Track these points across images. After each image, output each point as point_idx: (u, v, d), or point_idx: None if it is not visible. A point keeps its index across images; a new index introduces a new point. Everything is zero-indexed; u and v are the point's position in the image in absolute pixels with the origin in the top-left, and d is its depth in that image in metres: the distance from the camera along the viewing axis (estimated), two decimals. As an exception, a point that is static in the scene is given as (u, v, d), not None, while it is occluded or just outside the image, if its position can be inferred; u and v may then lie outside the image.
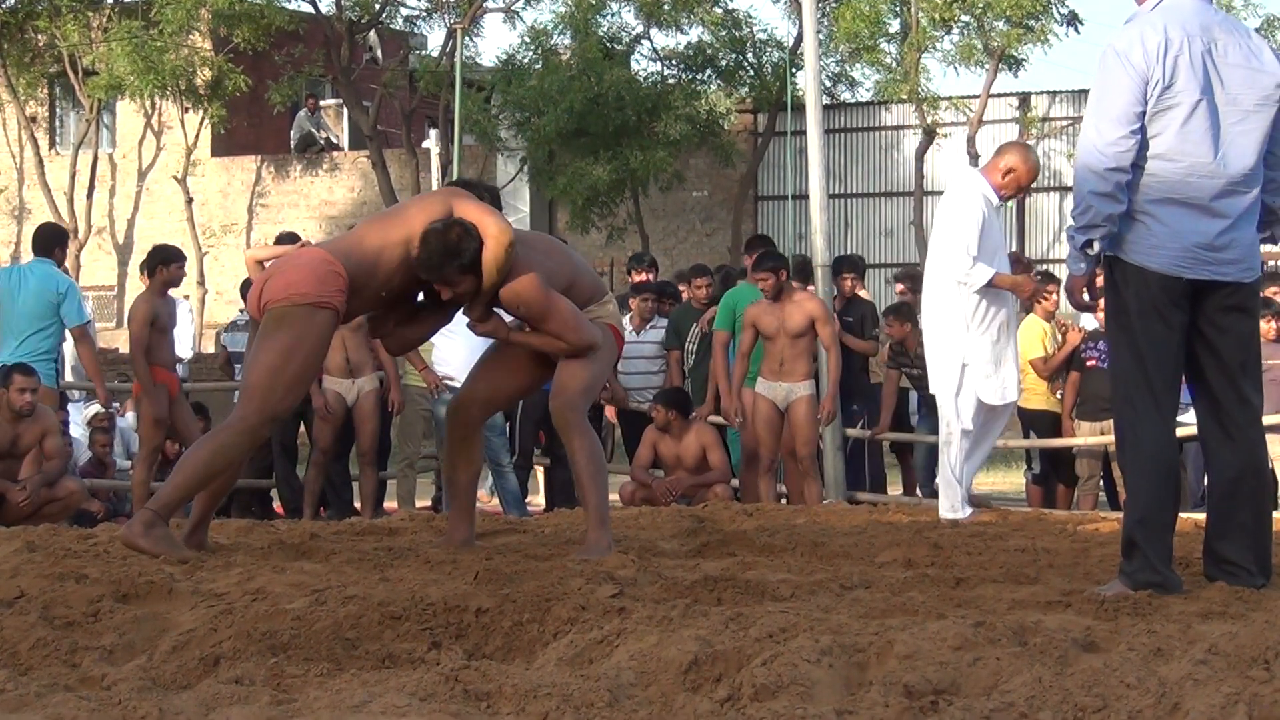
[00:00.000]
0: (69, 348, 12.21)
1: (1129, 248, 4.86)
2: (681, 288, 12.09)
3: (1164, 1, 4.91)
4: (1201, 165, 4.80)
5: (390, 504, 11.14)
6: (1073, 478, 11.15)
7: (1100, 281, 5.07)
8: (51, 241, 10.45)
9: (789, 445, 10.01)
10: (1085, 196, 4.81)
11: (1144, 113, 4.78)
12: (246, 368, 5.51)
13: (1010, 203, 8.48)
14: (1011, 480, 14.18)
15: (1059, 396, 11.07)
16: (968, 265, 7.87)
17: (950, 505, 8.07)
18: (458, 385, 10.20)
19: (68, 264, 20.81)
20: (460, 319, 9.50)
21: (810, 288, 10.88)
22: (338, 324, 5.61)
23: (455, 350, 10.39)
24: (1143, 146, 4.80)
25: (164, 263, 10.19)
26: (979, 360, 8.05)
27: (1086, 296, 5.02)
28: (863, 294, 11.79)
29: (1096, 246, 4.89)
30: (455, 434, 6.11)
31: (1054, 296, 11.37)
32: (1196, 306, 4.88)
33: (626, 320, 11.61)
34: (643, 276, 12.23)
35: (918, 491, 11.83)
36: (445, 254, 5.52)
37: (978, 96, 22.13)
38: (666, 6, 23.10)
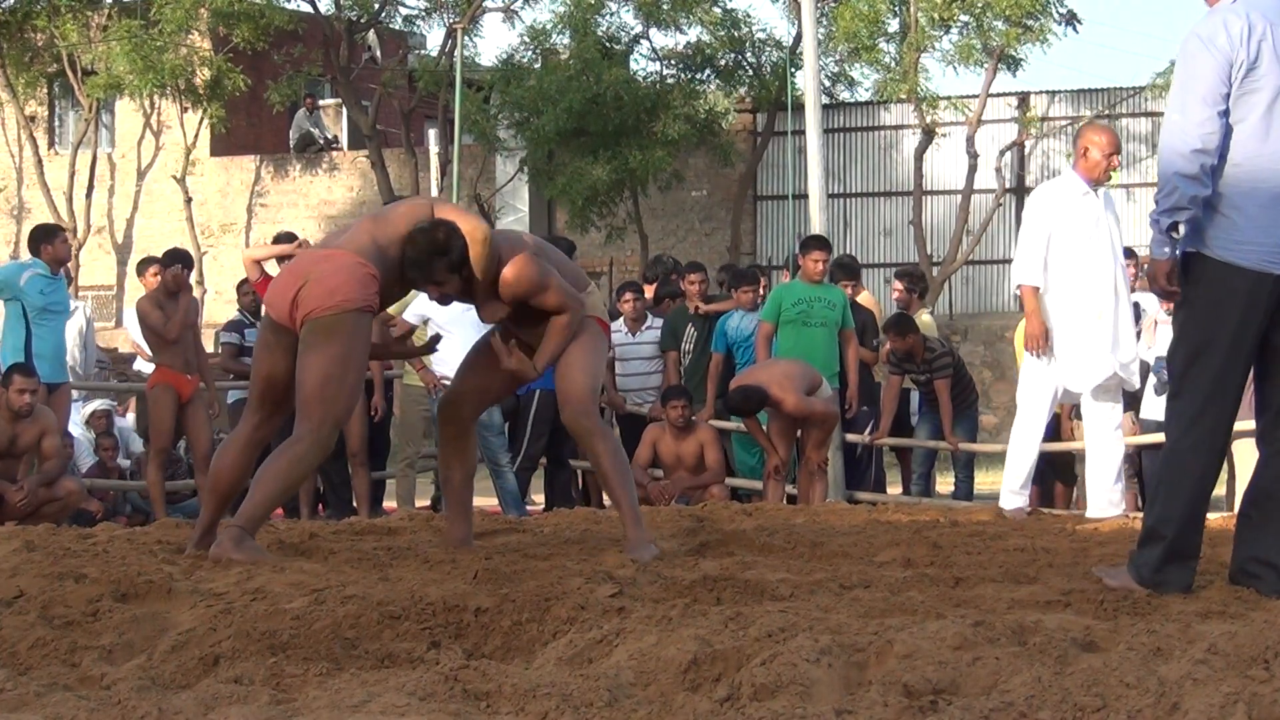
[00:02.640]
0: (70, 341, 12.20)
1: (1213, 242, 4.77)
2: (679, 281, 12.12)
3: None
4: None
5: (390, 504, 11.14)
6: (1070, 476, 11.17)
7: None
8: (33, 240, 10.64)
9: (804, 445, 10.08)
10: (1171, 179, 4.72)
11: (1229, 94, 4.73)
12: (300, 379, 5.47)
13: (1114, 177, 8.64)
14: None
15: None
16: (1016, 268, 8.41)
17: (1005, 492, 8.33)
18: (456, 385, 10.28)
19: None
20: (458, 319, 9.48)
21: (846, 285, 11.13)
22: None
23: (453, 350, 10.39)
24: (1225, 134, 4.73)
25: (46, 240, 10.40)
26: (1062, 351, 8.18)
27: (1168, 283, 4.87)
28: (862, 300, 11.76)
29: (1182, 230, 4.80)
30: (447, 432, 6.11)
31: None
32: (1272, 310, 4.79)
33: (620, 323, 11.64)
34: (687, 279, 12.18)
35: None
36: (432, 252, 5.54)
37: (977, 96, 22.11)
38: (665, 6, 23.08)
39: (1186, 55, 4.81)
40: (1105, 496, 8.25)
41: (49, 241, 10.51)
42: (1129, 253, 10.81)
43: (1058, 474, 11.20)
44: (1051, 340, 8.22)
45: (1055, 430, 11.04)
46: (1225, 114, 4.73)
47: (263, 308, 6.08)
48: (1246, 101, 4.75)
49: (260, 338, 5.79)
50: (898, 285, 12.14)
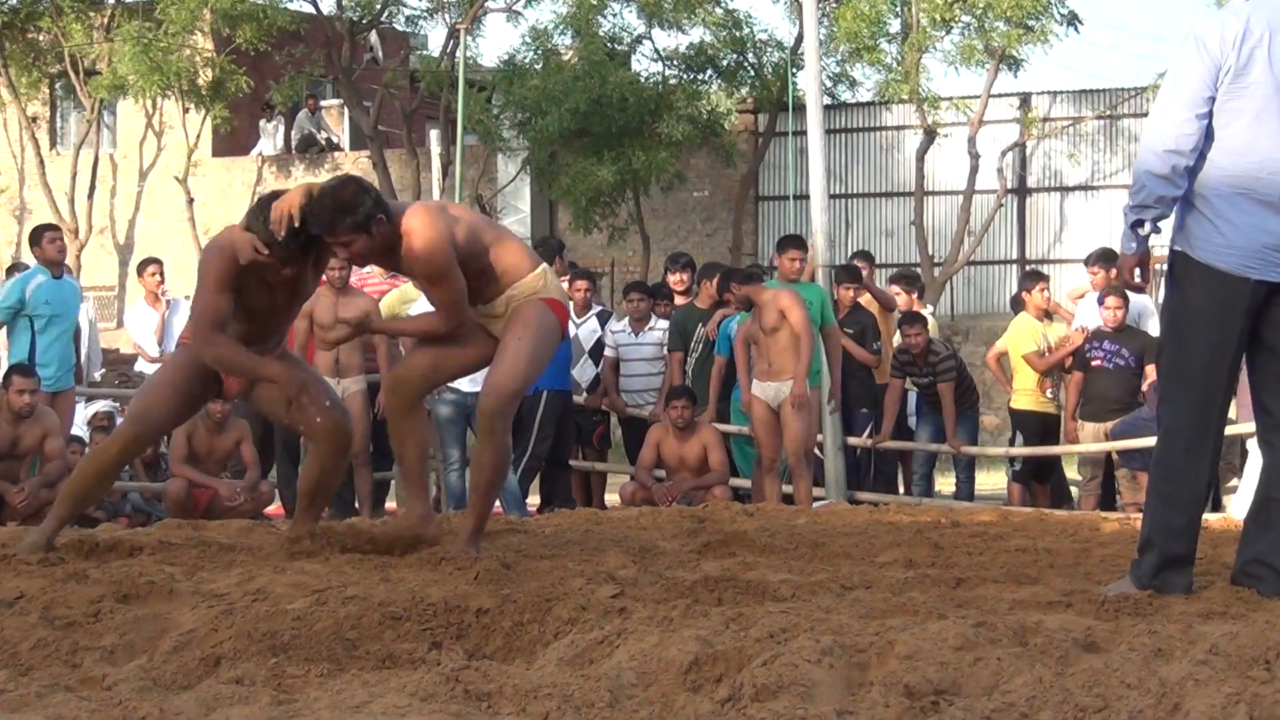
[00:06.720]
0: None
1: (1196, 245, 4.77)
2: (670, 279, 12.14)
3: None
4: (1275, 160, 4.71)
5: (391, 504, 11.14)
6: (1046, 475, 11.24)
7: (1153, 264, 4.97)
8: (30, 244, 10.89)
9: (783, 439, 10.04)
10: (1140, 175, 4.74)
11: (1213, 99, 4.71)
12: None
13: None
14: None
15: (1049, 395, 11.16)
16: None
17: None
18: (458, 386, 10.27)
19: (69, 263, 20.88)
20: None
21: (847, 287, 11.06)
22: None
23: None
24: (1211, 137, 4.73)
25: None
26: None
27: (1138, 277, 4.90)
28: (864, 302, 11.74)
29: (1148, 227, 4.79)
30: (396, 408, 5.87)
31: (1046, 294, 11.46)
32: (1261, 312, 4.78)
33: (624, 323, 11.63)
34: (678, 276, 12.18)
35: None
36: (337, 210, 5.38)
37: (978, 97, 22.10)
38: (668, 6, 23.07)
39: (1179, 54, 4.80)
40: None
41: (35, 243, 10.70)
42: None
43: (1038, 473, 11.23)
44: None
45: (1043, 429, 11.10)
46: (1206, 117, 4.72)
47: None
48: (1233, 107, 4.72)
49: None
50: (895, 289, 12.16)
